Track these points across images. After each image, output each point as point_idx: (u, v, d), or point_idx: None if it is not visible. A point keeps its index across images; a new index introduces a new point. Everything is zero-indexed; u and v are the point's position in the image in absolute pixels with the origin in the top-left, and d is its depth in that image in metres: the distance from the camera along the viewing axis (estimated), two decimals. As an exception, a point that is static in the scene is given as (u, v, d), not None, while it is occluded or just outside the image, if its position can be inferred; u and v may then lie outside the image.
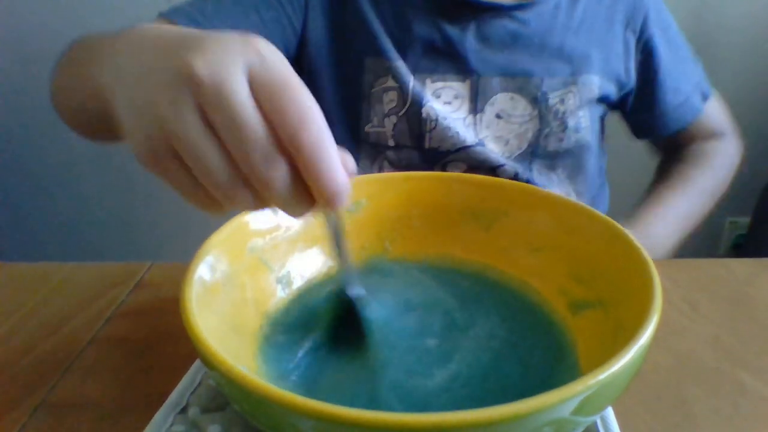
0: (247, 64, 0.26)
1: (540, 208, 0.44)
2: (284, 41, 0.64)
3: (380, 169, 0.70)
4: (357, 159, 0.69)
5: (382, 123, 0.66)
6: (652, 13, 0.71)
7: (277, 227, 0.42)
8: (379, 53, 0.65)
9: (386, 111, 0.66)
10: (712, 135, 0.78)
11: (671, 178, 0.73)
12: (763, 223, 1.44)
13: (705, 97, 0.76)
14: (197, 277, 0.33)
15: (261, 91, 0.26)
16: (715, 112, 0.79)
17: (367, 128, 0.67)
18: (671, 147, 0.81)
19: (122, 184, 1.57)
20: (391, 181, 0.47)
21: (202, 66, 0.25)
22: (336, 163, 0.26)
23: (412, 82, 0.64)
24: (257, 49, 0.26)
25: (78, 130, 0.55)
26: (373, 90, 0.66)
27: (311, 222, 0.44)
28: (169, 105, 0.26)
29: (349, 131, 0.69)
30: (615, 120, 0.80)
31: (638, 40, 0.70)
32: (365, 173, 0.69)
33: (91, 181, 1.57)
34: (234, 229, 0.39)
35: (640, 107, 0.74)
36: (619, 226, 0.38)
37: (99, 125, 0.49)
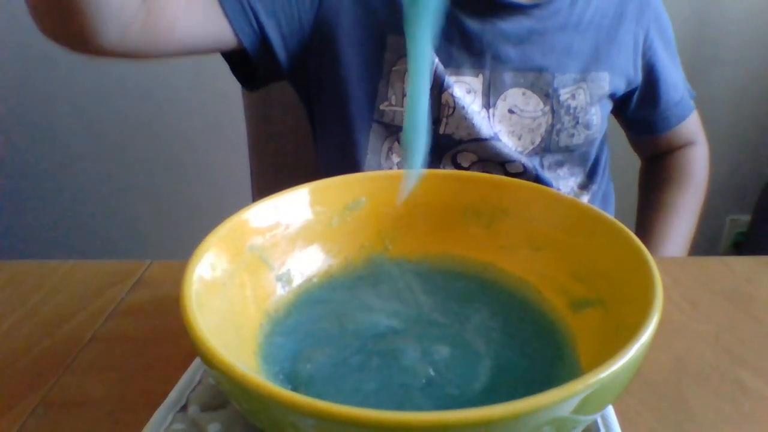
0: None
1: (541, 207, 0.44)
2: (300, 9, 0.63)
3: (389, 151, 0.69)
4: (367, 137, 0.68)
5: (401, 102, 0.65)
6: (654, 10, 0.72)
7: (277, 225, 0.42)
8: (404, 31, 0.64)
9: (406, 91, 0.65)
10: (689, 141, 0.82)
11: (663, 208, 0.79)
12: (764, 221, 1.44)
13: (691, 96, 0.79)
14: (197, 275, 0.33)
15: None
16: (694, 118, 0.81)
17: (382, 106, 0.66)
18: (654, 153, 0.84)
19: (122, 182, 1.57)
20: (391, 179, 0.47)
21: None
22: None
23: (435, 64, 0.64)
24: None
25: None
26: (393, 68, 0.65)
27: (311, 219, 0.44)
28: None
29: (364, 107, 0.67)
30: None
31: (645, 37, 0.71)
32: (374, 154, 0.69)
33: (90, 179, 1.57)
34: (233, 226, 0.39)
35: (644, 103, 0.75)
36: (619, 224, 0.38)
37: None
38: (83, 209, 1.60)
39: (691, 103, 0.79)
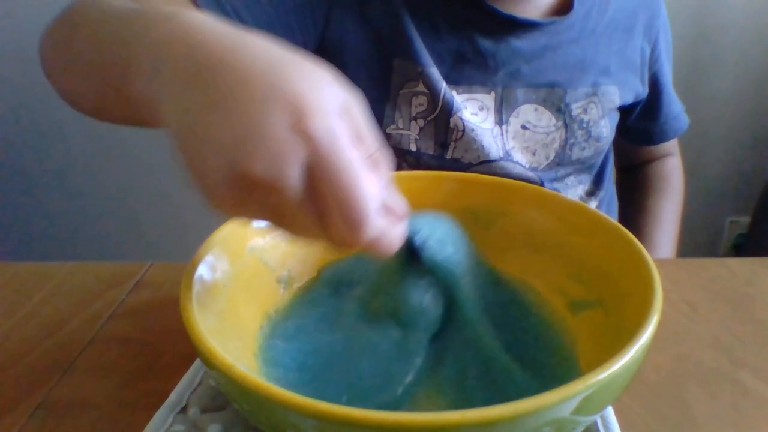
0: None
1: (540, 208, 0.44)
2: (303, 31, 0.62)
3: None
4: None
5: (408, 126, 0.65)
6: (663, 21, 0.72)
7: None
8: (411, 57, 0.63)
9: (414, 114, 0.64)
10: (669, 153, 0.85)
11: (651, 215, 0.81)
12: (764, 222, 1.44)
13: (683, 110, 0.80)
14: (197, 276, 0.33)
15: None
16: None
17: (388, 129, 0.65)
18: (635, 163, 0.87)
19: (122, 184, 1.57)
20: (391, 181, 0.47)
21: (319, 121, 0.25)
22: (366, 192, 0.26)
23: (443, 89, 0.63)
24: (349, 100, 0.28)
25: (77, 106, 0.49)
26: (401, 92, 0.64)
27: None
28: (279, 159, 0.24)
29: None
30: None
31: (653, 48, 0.71)
32: None
33: (91, 181, 1.57)
34: (234, 228, 0.39)
35: (645, 115, 0.76)
36: (619, 225, 0.38)
37: (117, 114, 0.42)
38: (83, 210, 1.60)
39: (687, 118, 0.79)
